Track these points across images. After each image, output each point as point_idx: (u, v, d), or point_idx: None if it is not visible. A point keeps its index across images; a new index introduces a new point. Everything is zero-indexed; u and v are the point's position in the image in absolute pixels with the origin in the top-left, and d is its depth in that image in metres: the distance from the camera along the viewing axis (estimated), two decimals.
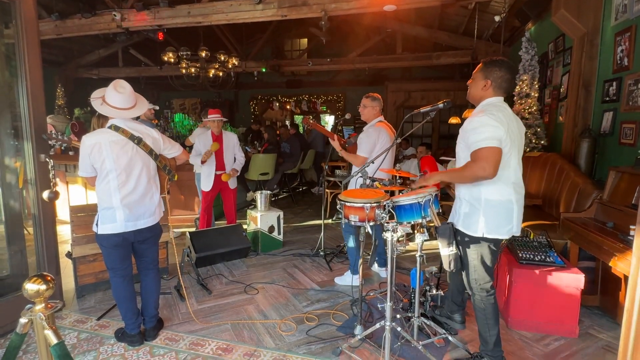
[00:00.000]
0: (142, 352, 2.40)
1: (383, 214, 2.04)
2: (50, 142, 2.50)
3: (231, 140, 4.19)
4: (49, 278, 1.12)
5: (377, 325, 2.24)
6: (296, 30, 10.90)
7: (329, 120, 12.38)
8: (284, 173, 6.79)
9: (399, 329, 2.16)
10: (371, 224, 2.08)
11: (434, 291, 2.72)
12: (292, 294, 3.21)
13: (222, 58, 7.28)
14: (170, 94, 12.37)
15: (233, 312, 2.90)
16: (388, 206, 2.09)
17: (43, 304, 1.11)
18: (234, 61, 7.60)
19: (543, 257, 2.63)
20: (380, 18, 7.66)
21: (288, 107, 12.47)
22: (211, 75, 7.70)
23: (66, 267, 3.20)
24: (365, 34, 8.89)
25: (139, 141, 2.31)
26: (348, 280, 3.29)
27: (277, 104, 12.54)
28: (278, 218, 4.26)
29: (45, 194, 2.67)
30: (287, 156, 6.76)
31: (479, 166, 1.82)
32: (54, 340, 1.07)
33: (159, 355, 2.36)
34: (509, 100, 5.78)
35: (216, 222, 4.70)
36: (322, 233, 4.10)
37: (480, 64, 2.06)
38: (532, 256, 2.64)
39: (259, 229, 4.15)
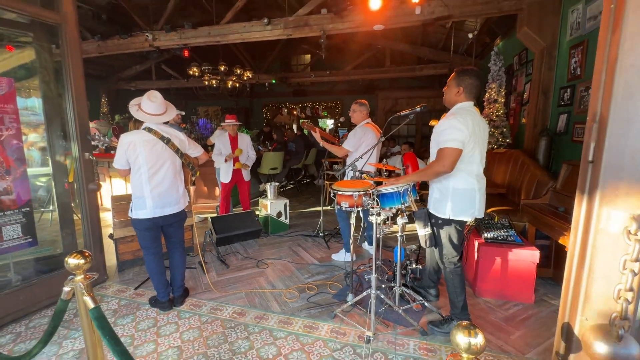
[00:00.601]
0: (171, 315, 2.43)
1: (369, 201, 2.03)
2: (93, 143, 2.50)
3: (245, 140, 4.17)
4: (87, 254, 1.13)
5: (365, 293, 2.25)
6: (301, 47, 10.78)
7: (329, 124, 12.32)
8: (290, 168, 6.77)
9: (382, 296, 2.16)
10: (359, 209, 2.08)
11: (414, 265, 2.72)
12: (296, 268, 3.23)
13: (238, 71, 7.23)
14: (197, 102, 12.34)
15: (247, 283, 2.92)
16: (373, 194, 2.08)
17: (82, 275, 1.12)
18: (248, 74, 7.54)
19: (505, 236, 2.62)
20: (371, 37, 7.56)
21: (295, 112, 12.39)
22: (229, 86, 7.66)
23: (109, 246, 3.23)
24: (358, 50, 8.78)
25: (167, 141, 2.32)
26: (342, 256, 3.30)
27: (286, 110, 12.46)
28: (285, 205, 4.26)
29: (90, 186, 2.69)
30: (293, 154, 6.73)
31: (440, 164, 1.84)
32: (91, 304, 1.08)
33: (185, 319, 2.39)
34: (480, 105, 5.73)
35: (234, 209, 4.71)
36: (321, 217, 4.10)
37: (453, 73, 2.03)
38: (496, 236, 2.63)
39: (269, 214, 4.15)
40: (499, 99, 5.10)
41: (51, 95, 2.87)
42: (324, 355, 1.99)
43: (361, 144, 3.04)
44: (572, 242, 0.92)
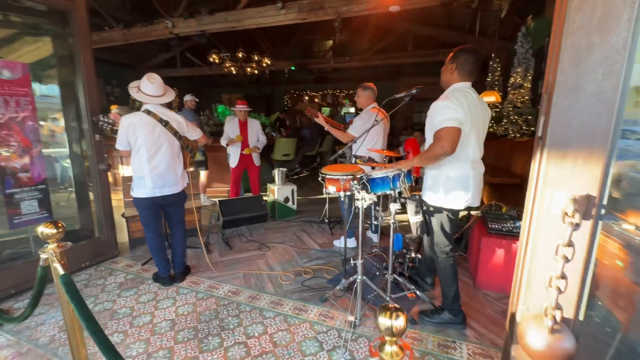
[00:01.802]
0: (171, 290, 2.55)
1: (356, 185, 1.99)
2: (99, 124, 2.62)
3: (254, 125, 4.21)
4: (59, 224, 1.20)
5: (352, 279, 2.23)
6: (322, 32, 10.59)
7: (352, 111, 12.16)
8: (304, 155, 6.77)
9: (369, 282, 2.13)
10: (348, 193, 2.05)
11: (413, 254, 2.66)
12: (297, 252, 3.25)
13: (256, 58, 7.26)
14: (220, 90, 12.63)
15: (246, 264, 2.99)
16: (363, 179, 2.03)
17: (55, 244, 1.19)
18: (267, 60, 7.55)
19: (511, 228, 2.48)
20: (392, 20, 7.27)
21: (316, 100, 12.34)
22: (248, 72, 7.71)
23: (122, 224, 3.42)
24: (379, 36, 8.49)
25: (165, 124, 2.38)
26: (344, 243, 3.28)
27: (307, 98, 12.44)
28: (292, 191, 4.28)
29: (100, 166, 2.84)
30: (307, 140, 6.72)
31: (439, 145, 1.71)
32: (61, 271, 1.15)
33: (183, 294, 2.50)
34: (504, 91, 5.36)
35: (245, 194, 4.81)
36: (326, 204, 4.09)
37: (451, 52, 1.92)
38: (500, 227, 2.50)
39: (276, 199, 4.20)
40: (525, 84, 4.76)
41: (67, 81, 3.03)
42: (309, 337, 2.01)
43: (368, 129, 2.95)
44: (522, 227, 0.84)
